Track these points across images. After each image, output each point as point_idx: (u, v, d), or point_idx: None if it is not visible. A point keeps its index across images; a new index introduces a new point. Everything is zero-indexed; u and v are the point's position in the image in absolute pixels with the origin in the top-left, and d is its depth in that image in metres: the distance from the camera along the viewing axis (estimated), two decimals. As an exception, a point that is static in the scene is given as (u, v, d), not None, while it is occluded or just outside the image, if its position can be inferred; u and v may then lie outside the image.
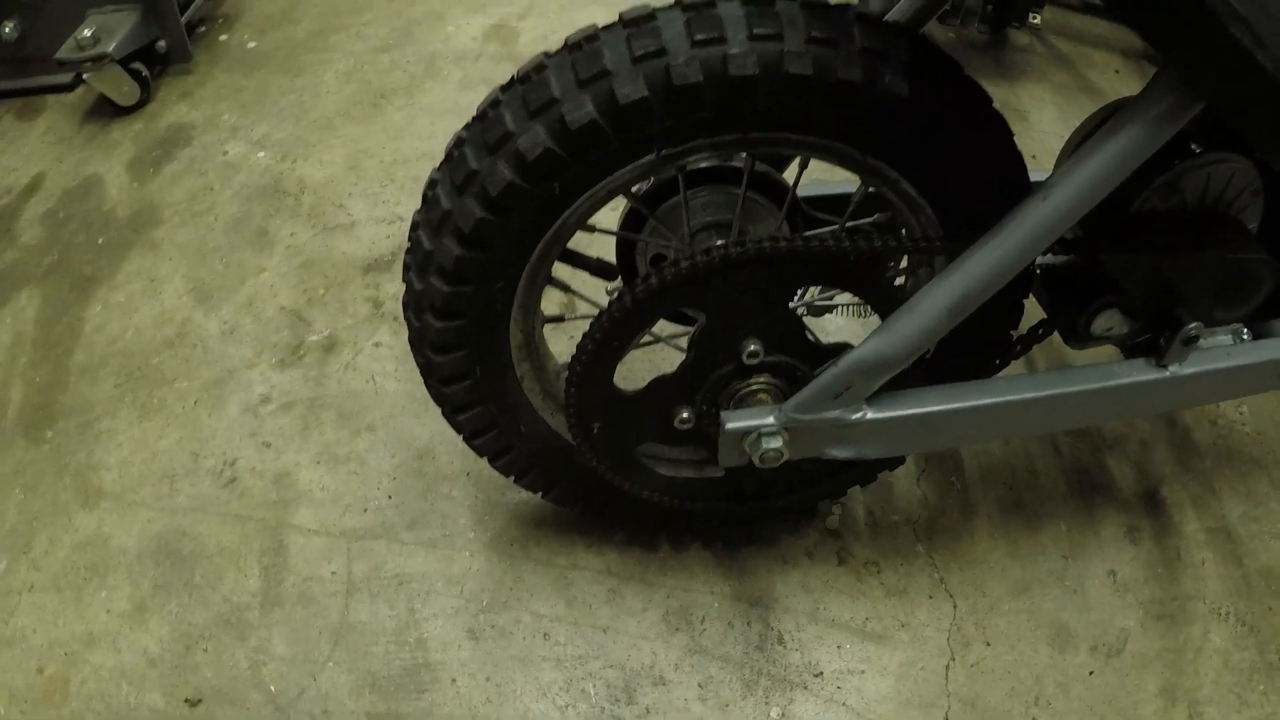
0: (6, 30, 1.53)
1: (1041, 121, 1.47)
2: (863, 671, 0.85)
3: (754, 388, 0.66)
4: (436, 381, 0.71)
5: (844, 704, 0.82)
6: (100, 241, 1.32)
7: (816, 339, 0.67)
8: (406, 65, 1.60)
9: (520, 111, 0.57)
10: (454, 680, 0.84)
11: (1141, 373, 0.75)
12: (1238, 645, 0.89)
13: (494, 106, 0.60)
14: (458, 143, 0.62)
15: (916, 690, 0.84)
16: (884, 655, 0.86)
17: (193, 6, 1.67)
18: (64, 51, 1.43)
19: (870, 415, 0.66)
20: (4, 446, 1.09)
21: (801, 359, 0.66)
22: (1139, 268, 0.69)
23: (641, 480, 0.77)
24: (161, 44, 1.57)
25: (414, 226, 0.66)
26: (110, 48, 1.42)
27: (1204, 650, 0.88)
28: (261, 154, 1.43)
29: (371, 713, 0.83)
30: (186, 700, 0.85)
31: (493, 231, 0.61)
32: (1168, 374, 0.75)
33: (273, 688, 0.85)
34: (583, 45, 0.58)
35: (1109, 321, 0.75)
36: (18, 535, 1.00)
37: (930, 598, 0.90)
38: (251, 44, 1.70)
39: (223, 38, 1.72)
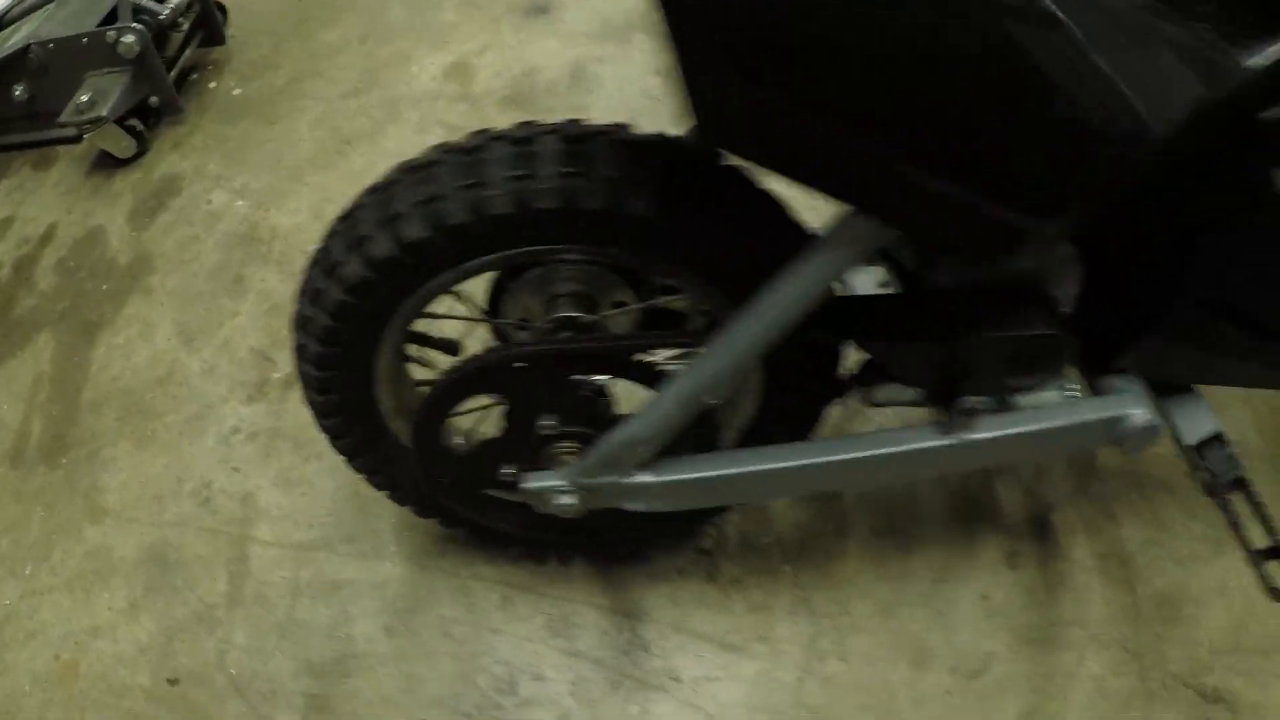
0: (18, 92, 1.78)
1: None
2: (719, 679, 1.02)
3: (558, 451, 0.85)
4: (328, 435, 0.92)
5: (698, 706, 1.00)
6: (104, 288, 1.57)
7: (608, 409, 0.85)
8: (371, 110, 1.80)
9: (343, 244, 0.76)
10: (374, 669, 1.07)
11: (927, 439, 0.80)
12: (1116, 671, 0.99)
13: (330, 238, 0.79)
14: (314, 261, 0.81)
15: (768, 699, 1.00)
16: (741, 665, 1.03)
17: (184, 55, 1.89)
18: (65, 115, 1.67)
19: (647, 479, 0.82)
20: (28, 472, 1.35)
21: (594, 427, 0.84)
22: (899, 353, 0.78)
23: (496, 517, 0.98)
24: (154, 100, 1.79)
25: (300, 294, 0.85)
26: (105, 111, 1.65)
27: (1077, 676, 0.99)
28: (240, 203, 1.66)
29: (308, 693, 1.06)
30: (168, 680, 1.10)
31: (339, 331, 0.80)
32: (954, 441, 0.79)
33: (233, 671, 1.09)
34: (380, 190, 0.76)
35: (890, 393, 0.85)
36: (39, 547, 1.26)
37: (791, 614, 1.06)
38: (236, 91, 1.92)
39: (212, 85, 1.94)
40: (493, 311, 0.92)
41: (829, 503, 1.14)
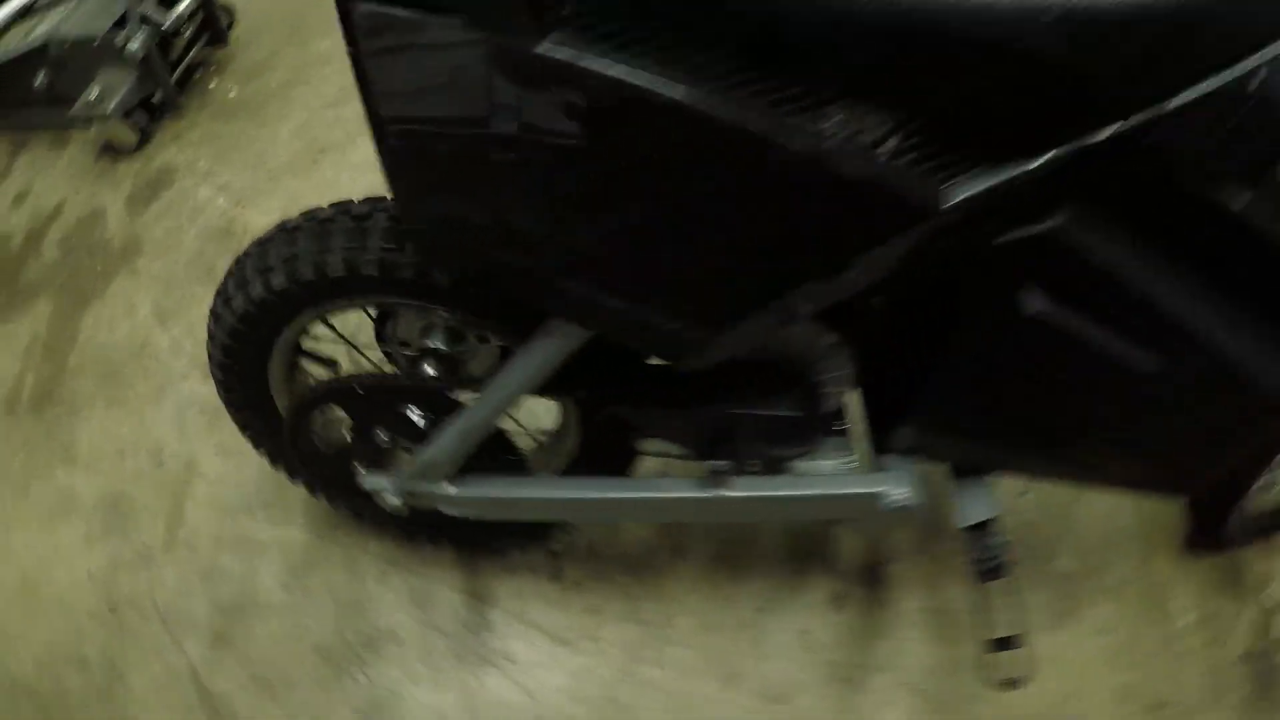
0: (38, 80, 2.03)
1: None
2: (546, 666, 1.21)
3: (390, 458, 1.09)
4: (237, 424, 1.17)
5: (523, 686, 1.21)
6: (98, 266, 1.83)
7: (423, 429, 1.02)
8: (346, 123, 2.03)
9: (233, 284, 0.98)
10: (269, 616, 1.33)
11: (687, 490, 0.94)
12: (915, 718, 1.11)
13: (227, 276, 1.01)
14: (216, 293, 1.04)
15: (585, 690, 1.18)
16: (567, 657, 1.22)
17: (189, 56, 2.13)
18: (76, 109, 1.92)
19: (450, 490, 1.04)
20: (18, 420, 1.62)
21: (415, 443, 1.05)
22: (660, 418, 0.95)
23: (366, 504, 1.22)
24: (157, 96, 2.04)
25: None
26: (110, 108, 1.90)
27: (875, 718, 1.12)
28: (221, 200, 1.91)
29: (215, 628, 1.33)
30: (109, 607, 1.37)
31: (234, 348, 1.03)
32: (710, 495, 0.92)
33: (160, 603, 1.36)
34: (262, 244, 0.95)
35: (660, 445, 0.99)
36: (18, 484, 1.53)
37: (621, 620, 1.23)
38: (232, 93, 2.16)
39: (212, 85, 2.18)
40: (380, 336, 1.14)
41: (673, 527, 1.32)
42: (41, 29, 2.05)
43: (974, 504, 0.97)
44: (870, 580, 1.24)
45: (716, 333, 0.72)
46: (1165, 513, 1.23)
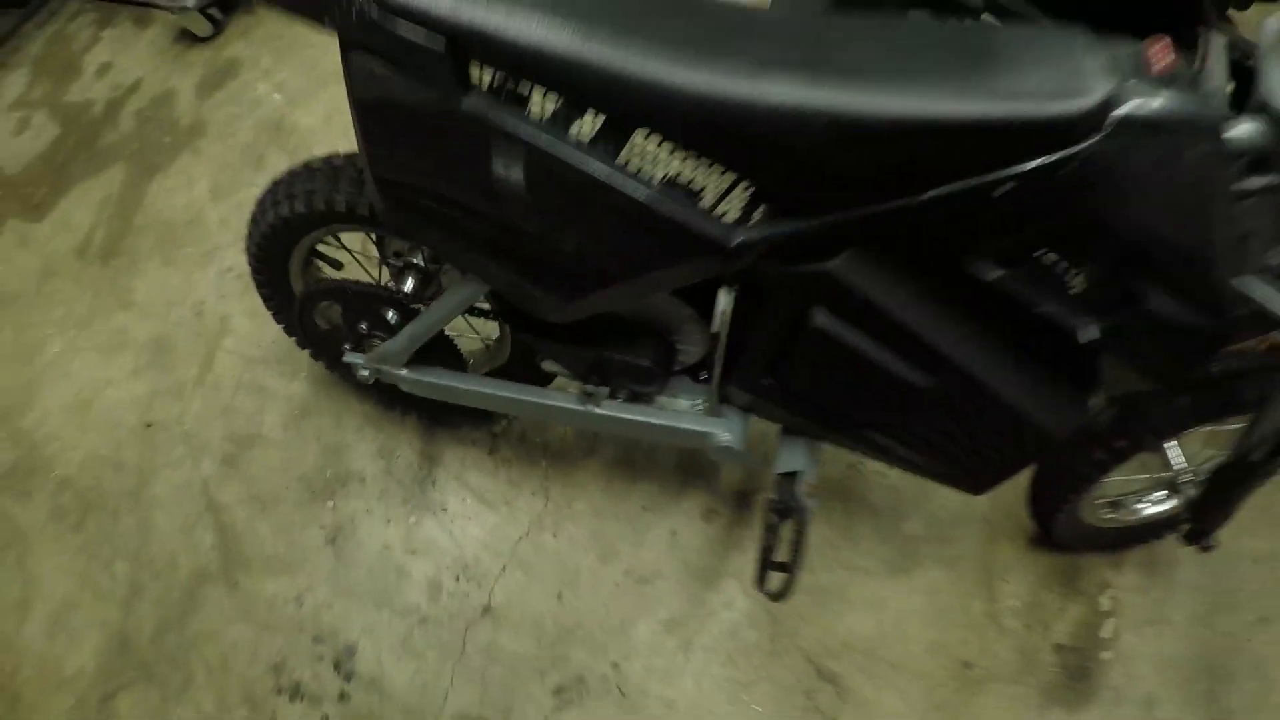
0: (132, -34, 2.29)
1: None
2: (470, 518, 1.53)
3: (369, 341, 1.37)
4: (263, 299, 1.46)
5: (450, 532, 1.52)
6: (166, 141, 2.12)
7: (392, 324, 1.28)
8: None
9: (263, 206, 1.27)
10: (269, 448, 1.66)
11: (566, 401, 1.22)
12: (752, 624, 1.38)
13: (260, 200, 1.29)
14: (256, 204, 1.32)
15: (495, 543, 1.50)
16: (487, 515, 1.53)
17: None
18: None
19: (403, 373, 1.32)
20: (86, 265, 1.95)
21: (386, 334, 1.32)
22: (553, 349, 1.19)
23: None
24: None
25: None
26: (190, 2, 2.16)
27: (717, 615, 1.40)
28: (277, 96, 2.17)
29: (225, 452, 1.65)
30: (145, 423, 1.71)
31: (264, 249, 1.31)
32: (582, 409, 1.21)
33: (186, 427, 1.69)
34: (282, 180, 1.22)
35: (554, 367, 1.29)
36: (83, 319, 1.87)
37: (533, 494, 1.53)
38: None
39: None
40: (379, 248, 1.40)
41: (590, 431, 1.61)
42: None
43: (788, 457, 1.20)
44: (740, 504, 1.51)
45: (568, 302, 1.00)
46: (1021, 507, 1.46)
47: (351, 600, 1.49)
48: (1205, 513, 1.26)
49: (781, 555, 1.20)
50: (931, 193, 0.78)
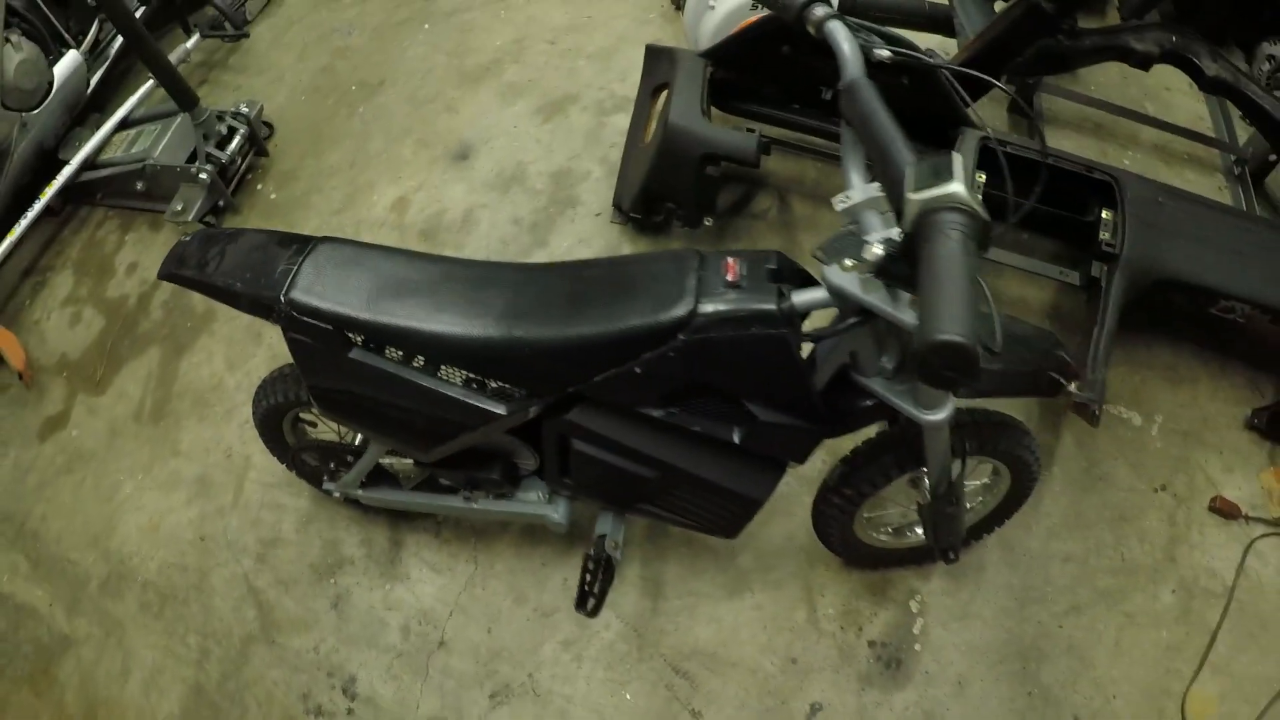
0: (139, 186, 3.08)
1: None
2: (425, 582, 2.28)
3: (340, 472, 2.15)
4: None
5: (413, 592, 2.30)
6: (189, 325, 2.89)
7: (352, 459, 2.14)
8: (344, 228, 3.06)
9: (259, 395, 2.07)
10: (288, 546, 2.43)
11: (458, 501, 1.97)
12: (624, 640, 2.05)
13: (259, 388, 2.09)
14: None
15: (443, 596, 2.21)
16: (436, 578, 2.25)
17: (242, 166, 3.17)
18: (166, 216, 2.96)
19: (360, 494, 2.12)
20: (142, 426, 2.72)
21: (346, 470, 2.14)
22: (442, 474, 1.99)
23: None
24: (221, 202, 3.09)
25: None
26: (190, 216, 2.95)
27: (600, 635, 2.07)
28: (264, 280, 2.96)
29: (256, 552, 2.43)
30: (200, 537, 2.48)
31: (264, 421, 2.10)
32: (467, 505, 1.96)
33: (229, 538, 2.47)
34: (265, 381, 2.05)
35: (448, 480, 2.02)
36: (145, 466, 2.64)
37: (466, 561, 2.22)
38: (273, 196, 3.20)
39: (259, 187, 3.23)
40: None
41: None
42: (139, 147, 3.09)
43: (601, 524, 1.92)
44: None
45: (427, 451, 1.77)
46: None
47: (351, 646, 2.26)
48: (937, 536, 1.81)
49: (591, 594, 1.95)
50: (599, 376, 1.47)
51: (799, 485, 2.29)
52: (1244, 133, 3.00)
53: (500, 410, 1.61)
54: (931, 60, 1.32)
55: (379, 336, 1.58)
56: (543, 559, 2.30)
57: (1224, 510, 2.32)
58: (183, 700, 2.25)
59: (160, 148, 3.03)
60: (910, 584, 2.19)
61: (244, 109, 3.10)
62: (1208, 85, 2.49)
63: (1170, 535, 2.27)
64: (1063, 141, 2.98)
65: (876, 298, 1.26)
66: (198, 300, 2.96)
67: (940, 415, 1.46)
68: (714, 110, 2.56)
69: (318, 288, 1.56)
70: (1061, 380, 1.63)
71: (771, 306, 1.33)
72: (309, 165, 3.26)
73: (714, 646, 2.15)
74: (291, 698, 2.21)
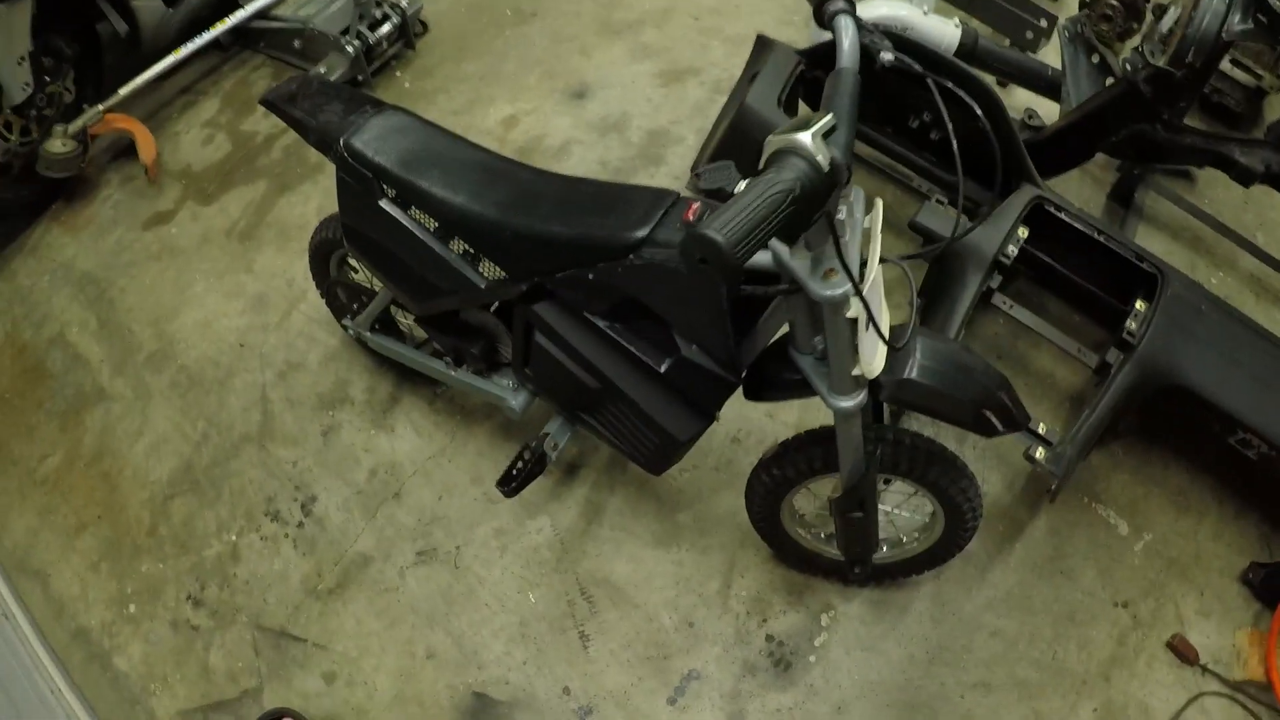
0: (296, 43, 3.47)
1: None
2: (404, 439, 2.57)
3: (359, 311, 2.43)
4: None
5: (391, 444, 2.58)
6: (299, 171, 3.26)
7: (364, 302, 2.39)
8: (455, 128, 3.35)
9: (316, 229, 2.37)
10: (307, 373, 2.74)
11: (441, 365, 2.21)
12: (550, 548, 2.24)
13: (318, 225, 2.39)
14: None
15: (414, 455, 2.54)
16: (415, 439, 2.57)
17: (389, 51, 3.53)
18: (310, 74, 3.34)
19: (369, 336, 2.39)
20: (234, 243, 3.10)
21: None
22: (434, 337, 2.23)
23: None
24: (360, 77, 3.46)
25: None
26: (332, 79, 3.33)
27: (531, 535, 2.25)
28: (371, 152, 3.30)
29: (279, 369, 2.74)
30: (240, 344, 2.83)
31: (315, 257, 2.40)
32: (447, 371, 2.17)
33: (263, 351, 2.80)
34: (323, 220, 2.34)
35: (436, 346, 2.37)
36: (224, 276, 3.01)
37: (445, 434, 2.59)
38: (407, 84, 3.54)
39: (397, 74, 3.58)
40: None
41: (489, 406, 2.62)
42: (305, 10, 3.47)
43: (549, 425, 2.10)
44: (568, 473, 2.46)
45: (419, 303, 2.02)
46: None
47: (324, 471, 2.54)
48: (845, 543, 1.94)
49: (520, 473, 2.14)
50: (561, 273, 1.66)
51: (756, 463, 2.40)
52: (1354, 289, 2.89)
53: (481, 284, 1.85)
54: (919, 69, 1.42)
55: (405, 194, 1.84)
56: (510, 451, 2.51)
57: (1181, 651, 2.24)
58: (173, 471, 2.58)
59: (322, 16, 3.42)
60: (830, 598, 2.25)
61: (404, 3, 3.45)
62: None
63: (1114, 654, 2.23)
64: (1153, 241, 2.96)
65: (795, 264, 1.37)
66: (313, 152, 3.33)
67: (845, 403, 1.54)
68: (805, 109, 2.71)
69: (373, 141, 1.84)
70: (996, 423, 1.66)
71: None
72: (446, 68, 3.59)
73: (625, 583, 2.30)
74: (259, 497, 2.50)
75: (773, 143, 1.13)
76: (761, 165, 1.13)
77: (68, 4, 2.97)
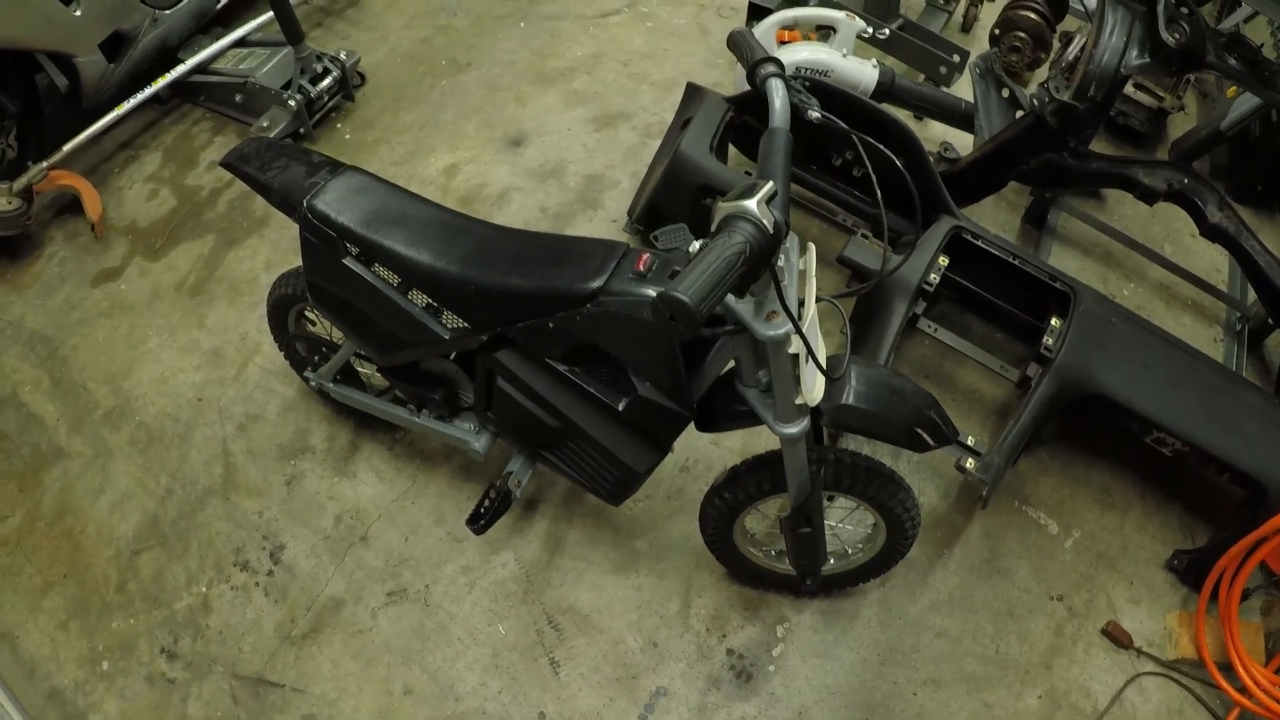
0: (238, 97, 3.66)
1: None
2: (367, 484, 2.73)
3: (320, 364, 2.60)
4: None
5: (354, 490, 2.73)
6: (245, 225, 3.43)
7: (327, 356, 2.59)
8: (397, 178, 3.56)
9: (275, 284, 2.56)
10: (267, 424, 2.91)
11: (405, 412, 2.37)
12: (516, 582, 2.43)
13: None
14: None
15: (378, 500, 2.67)
16: (377, 484, 2.72)
17: (328, 104, 3.73)
18: (252, 130, 3.54)
19: (331, 387, 2.56)
20: (184, 297, 3.26)
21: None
22: (397, 386, 2.41)
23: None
24: (301, 130, 3.66)
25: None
26: (272, 134, 3.51)
27: (497, 570, 2.44)
28: (317, 203, 3.49)
29: (239, 422, 2.90)
30: (198, 399, 2.99)
31: (273, 312, 2.58)
32: (410, 418, 2.35)
33: (221, 405, 2.96)
34: (280, 277, 2.54)
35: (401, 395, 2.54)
36: (175, 330, 3.16)
37: (407, 478, 2.75)
38: (347, 136, 3.75)
39: (338, 126, 3.78)
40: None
41: (449, 448, 2.82)
42: (245, 65, 3.65)
43: (511, 465, 2.28)
44: (528, 509, 2.65)
45: (383, 355, 2.20)
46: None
47: (290, 520, 2.70)
48: (795, 556, 2.10)
49: (484, 515, 2.34)
50: (522, 323, 1.83)
51: (709, 487, 2.64)
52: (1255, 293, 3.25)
53: (445, 335, 2.04)
54: (844, 127, 1.68)
55: (368, 252, 2.02)
56: (470, 494, 2.70)
57: (1116, 637, 2.51)
58: (138, 526, 2.71)
59: (263, 70, 3.61)
60: (783, 611, 2.47)
61: (342, 56, 3.66)
62: (1207, 231, 2.77)
63: (1053, 644, 2.49)
64: (1067, 258, 3.30)
65: (740, 308, 1.50)
66: (259, 205, 3.51)
67: (790, 429, 1.71)
68: (734, 152, 2.99)
69: (335, 203, 2.03)
70: (928, 439, 1.89)
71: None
72: (385, 119, 3.80)
73: (589, 610, 2.48)
74: (227, 548, 2.65)
75: (723, 209, 1.32)
76: (714, 229, 1.31)
77: (8, 61, 3.11)
